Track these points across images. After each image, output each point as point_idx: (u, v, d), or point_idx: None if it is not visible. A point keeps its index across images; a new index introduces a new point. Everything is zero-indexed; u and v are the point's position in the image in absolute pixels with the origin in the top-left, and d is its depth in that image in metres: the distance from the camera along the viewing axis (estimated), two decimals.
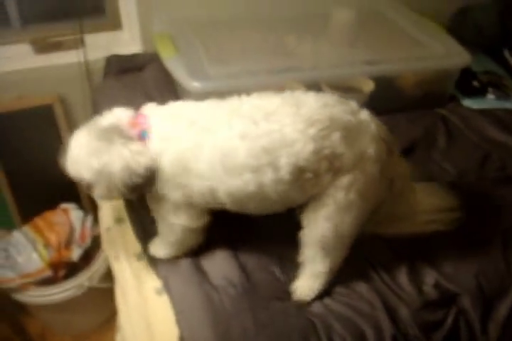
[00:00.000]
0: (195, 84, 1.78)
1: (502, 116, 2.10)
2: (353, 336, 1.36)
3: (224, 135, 1.23)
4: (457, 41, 2.10)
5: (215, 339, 1.29)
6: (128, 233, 1.63)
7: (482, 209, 1.67)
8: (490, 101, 2.20)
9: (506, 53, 2.45)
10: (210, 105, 1.34)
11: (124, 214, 1.67)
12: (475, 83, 2.25)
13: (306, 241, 1.37)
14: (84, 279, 2.23)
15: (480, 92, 2.23)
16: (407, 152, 1.87)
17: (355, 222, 1.33)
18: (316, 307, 1.41)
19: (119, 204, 1.72)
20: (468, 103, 2.17)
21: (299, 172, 1.23)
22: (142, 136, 1.28)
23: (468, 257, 1.53)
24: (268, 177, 1.22)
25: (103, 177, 1.25)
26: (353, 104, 1.33)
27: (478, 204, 1.67)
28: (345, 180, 1.26)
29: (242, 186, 1.24)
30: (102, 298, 2.25)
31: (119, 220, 1.73)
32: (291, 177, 1.23)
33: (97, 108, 2.12)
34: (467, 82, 2.24)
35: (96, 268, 2.27)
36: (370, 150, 1.26)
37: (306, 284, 1.41)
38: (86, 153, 1.25)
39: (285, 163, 1.21)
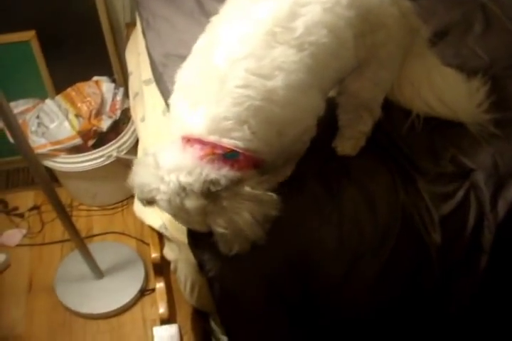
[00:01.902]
0: None
1: None
2: (365, 201, 1.41)
3: None
4: None
5: None
6: (155, 93, 1.66)
7: (509, 93, 1.65)
8: None
9: None
10: None
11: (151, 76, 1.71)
12: None
13: (347, 104, 1.46)
14: (112, 149, 2.30)
15: None
16: (441, 35, 1.84)
17: (393, 78, 1.47)
18: None
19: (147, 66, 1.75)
20: None
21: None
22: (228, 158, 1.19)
23: (487, 137, 1.53)
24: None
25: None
26: None
27: (506, 89, 1.66)
28: (382, 34, 1.33)
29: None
30: (130, 170, 2.31)
31: (148, 82, 1.75)
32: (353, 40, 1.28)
33: None
34: None
35: (125, 139, 2.33)
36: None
37: (349, 144, 1.51)
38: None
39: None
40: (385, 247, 1.39)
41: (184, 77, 1.27)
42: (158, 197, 1.19)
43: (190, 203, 1.16)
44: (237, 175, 1.16)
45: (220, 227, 1.18)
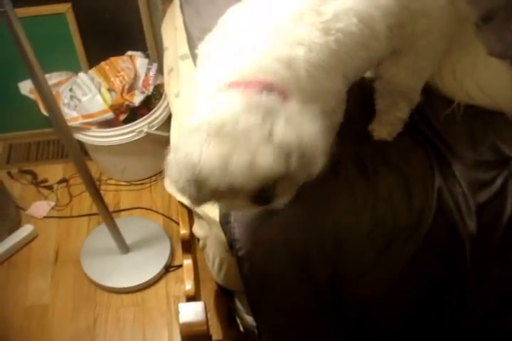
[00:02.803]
0: None
1: None
2: (399, 184, 1.39)
3: None
4: None
5: None
6: (191, 69, 1.64)
7: None
8: None
9: None
10: None
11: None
12: None
13: (384, 90, 1.43)
14: (143, 125, 2.30)
15: None
16: (485, 20, 1.78)
17: (433, 67, 1.43)
18: None
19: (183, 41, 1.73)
20: None
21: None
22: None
23: None
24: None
25: None
26: None
27: None
28: (423, 24, 1.27)
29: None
30: (160, 147, 2.31)
31: (184, 57, 1.73)
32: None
33: None
34: None
35: (156, 115, 2.32)
36: None
37: (385, 130, 1.48)
38: None
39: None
40: (419, 233, 1.37)
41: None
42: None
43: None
44: None
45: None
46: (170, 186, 1.62)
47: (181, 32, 1.78)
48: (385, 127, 1.49)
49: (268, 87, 1.07)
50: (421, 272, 1.45)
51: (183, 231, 1.62)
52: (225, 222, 1.36)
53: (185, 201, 1.53)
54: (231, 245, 1.36)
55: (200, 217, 1.51)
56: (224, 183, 0.99)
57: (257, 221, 1.33)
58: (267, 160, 0.97)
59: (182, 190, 1.08)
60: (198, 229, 1.58)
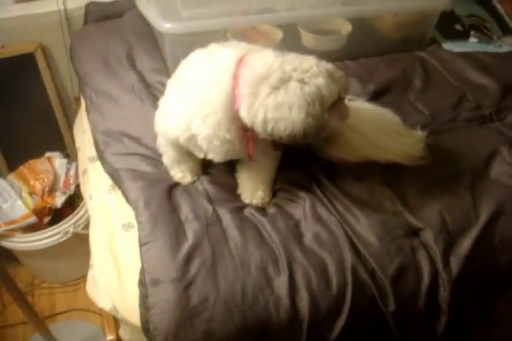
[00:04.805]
0: (166, 26, 1.77)
1: (482, 58, 2.07)
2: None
3: None
4: None
5: (175, 272, 1.31)
6: (99, 171, 1.64)
7: (450, 147, 1.66)
8: (472, 44, 2.17)
9: None
10: None
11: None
12: (457, 26, 2.22)
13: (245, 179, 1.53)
14: (69, 225, 2.27)
15: (462, 35, 2.20)
16: (383, 93, 1.86)
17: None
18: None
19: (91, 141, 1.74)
20: (449, 46, 2.15)
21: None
22: None
23: (432, 193, 1.53)
24: None
25: None
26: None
27: (447, 143, 1.67)
28: None
29: None
30: (89, 245, 2.28)
31: (92, 159, 1.74)
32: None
33: (74, 54, 2.12)
34: (449, 26, 2.22)
35: (81, 214, 2.30)
36: None
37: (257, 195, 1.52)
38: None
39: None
40: (341, 317, 1.35)
41: None
42: None
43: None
44: None
45: None
46: (92, 292, 1.60)
47: (89, 133, 1.79)
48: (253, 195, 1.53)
49: None
50: None
51: (110, 337, 1.58)
52: (145, 327, 1.33)
53: (106, 307, 1.50)
54: None
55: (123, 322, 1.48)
56: None
57: (176, 327, 1.29)
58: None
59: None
60: (123, 333, 1.54)
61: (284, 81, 1.23)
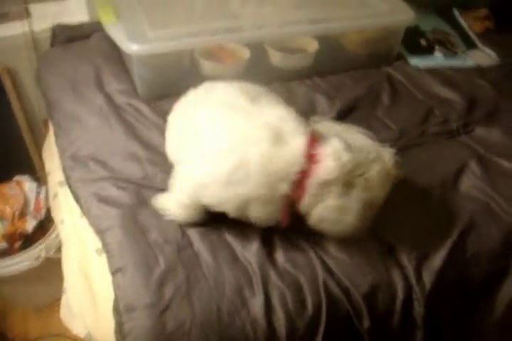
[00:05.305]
0: (134, 47, 1.77)
1: (448, 73, 2.11)
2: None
3: None
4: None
5: (148, 298, 1.30)
6: (69, 195, 1.62)
7: (420, 163, 1.68)
8: (437, 59, 2.21)
9: (455, 12, 2.45)
10: None
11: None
12: (422, 41, 2.25)
13: None
14: (40, 250, 2.23)
15: (427, 50, 2.23)
16: (350, 110, 1.88)
17: None
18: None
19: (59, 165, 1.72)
20: (415, 61, 2.18)
21: None
22: None
23: (404, 209, 1.54)
24: None
25: None
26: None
27: (416, 158, 1.69)
28: None
29: None
30: (62, 269, 2.25)
31: (62, 183, 1.72)
32: None
33: (41, 77, 2.11)
34: (414, 41, 2.25)
35: (52, 238, 2.27)
36: None
37: None
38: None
39: None
40: (318, 336, 1.35)
41: None
42: None
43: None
44: None
45: None
46: (67, 317, 1.58)
47: (58, 158, 1.77)
48: None
49: None
50: None
51: None
52: None
53: (81, 334, 1.48)
54: None
55: None
56: None
57: None
58: None
59: None
60: None
61: (348, 185, 1.28)
